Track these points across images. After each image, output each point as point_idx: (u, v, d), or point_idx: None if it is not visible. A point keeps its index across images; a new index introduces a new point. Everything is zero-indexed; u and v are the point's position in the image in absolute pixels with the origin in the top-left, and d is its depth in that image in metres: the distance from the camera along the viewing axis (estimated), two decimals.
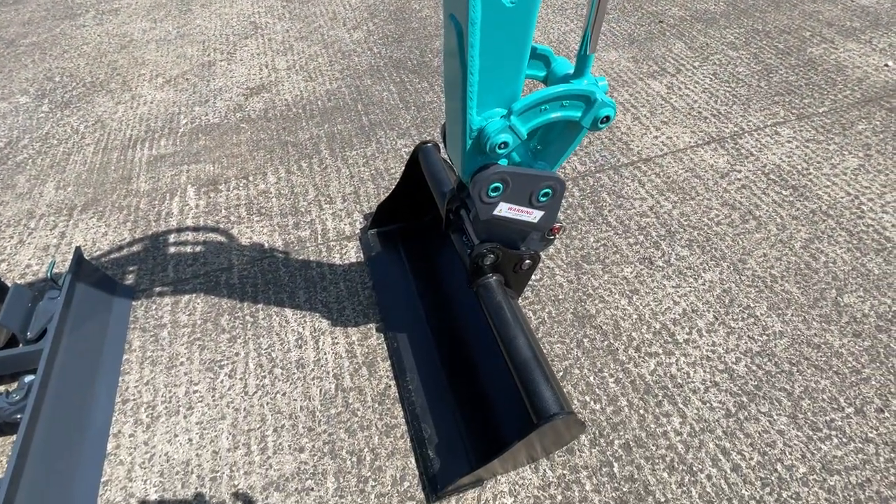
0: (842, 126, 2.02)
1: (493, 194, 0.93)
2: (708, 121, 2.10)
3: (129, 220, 1.84)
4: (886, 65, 2.32)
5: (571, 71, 0.91)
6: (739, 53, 2.49)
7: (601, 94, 0.85)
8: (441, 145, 1.21)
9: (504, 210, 0.97)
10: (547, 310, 1.45)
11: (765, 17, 2.75)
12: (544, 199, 0.98)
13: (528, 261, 1.12)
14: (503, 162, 0.94)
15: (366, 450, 1.19)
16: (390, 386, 1.30)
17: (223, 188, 1.94)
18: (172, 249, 1.73)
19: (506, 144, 0.86)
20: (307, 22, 3.03)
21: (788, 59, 2.43)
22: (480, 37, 0.74)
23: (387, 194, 1.67)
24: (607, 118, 0.86)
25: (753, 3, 2.89)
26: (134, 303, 1.55)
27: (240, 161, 2.07)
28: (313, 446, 1.20)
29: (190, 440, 1.23)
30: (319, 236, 1.73)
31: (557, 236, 1.12)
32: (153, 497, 1.14)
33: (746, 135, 2.02)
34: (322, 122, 2.24)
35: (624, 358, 1.33)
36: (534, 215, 1.01)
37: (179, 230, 1.79)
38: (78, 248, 1.42)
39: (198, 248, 1.72)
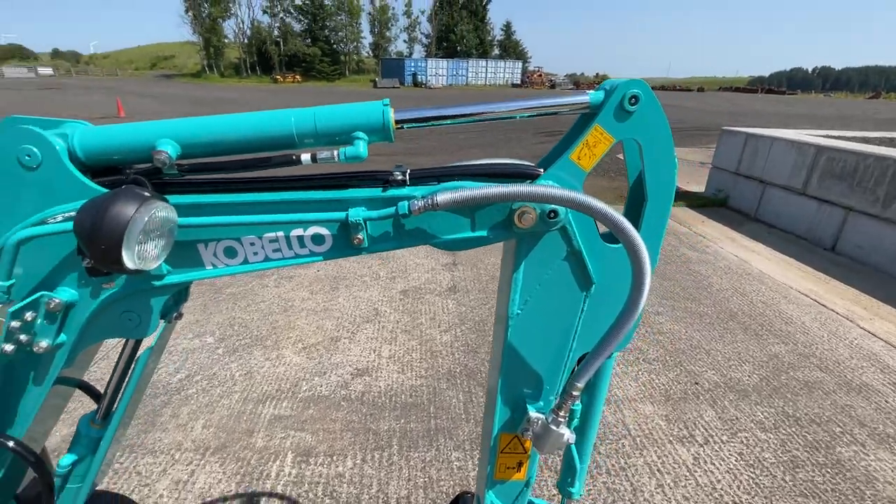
0: None
1: None
2: None
3: (239, 472, 2.43)
4: None
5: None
6: (768, 436, 2.80)
7: None
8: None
9: None
10: None
11: (796, 401, 3.11)
12: None
13: None
14: None
15: None
16: None
17: (312, 462, 2.51)
18: None
19: None
20: (413, 317, 4.07)
21: (816, 454, 2.66)
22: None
23: None
24: None
25: (787, 382, 3.31)
26: None
27: (331, 438, 2.69)
28: None
29: None
30: None
31: None
32: None
33: None
34: (400, 416, 2.88)
35: None
36: None
37: (270, 495, 2.31)
38: None
39: None
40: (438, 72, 67.01)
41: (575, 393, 0.90)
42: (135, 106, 24.77)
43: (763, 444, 2.73)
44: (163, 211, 0.70)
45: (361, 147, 0.78)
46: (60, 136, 0.78)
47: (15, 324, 0.79)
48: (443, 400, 3.03)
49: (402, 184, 0.82)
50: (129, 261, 0.66)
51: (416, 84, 63.09)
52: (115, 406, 1.06)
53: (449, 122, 0.86)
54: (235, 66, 75.54)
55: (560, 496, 1.27)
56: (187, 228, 0.79)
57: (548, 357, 0.99)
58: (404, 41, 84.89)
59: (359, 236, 0.80)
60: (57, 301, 0.81)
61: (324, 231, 0.82)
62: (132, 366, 1.06)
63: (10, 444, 0.95)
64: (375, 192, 0.82)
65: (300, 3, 73.04)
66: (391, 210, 0.78)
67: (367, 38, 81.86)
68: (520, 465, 1.13)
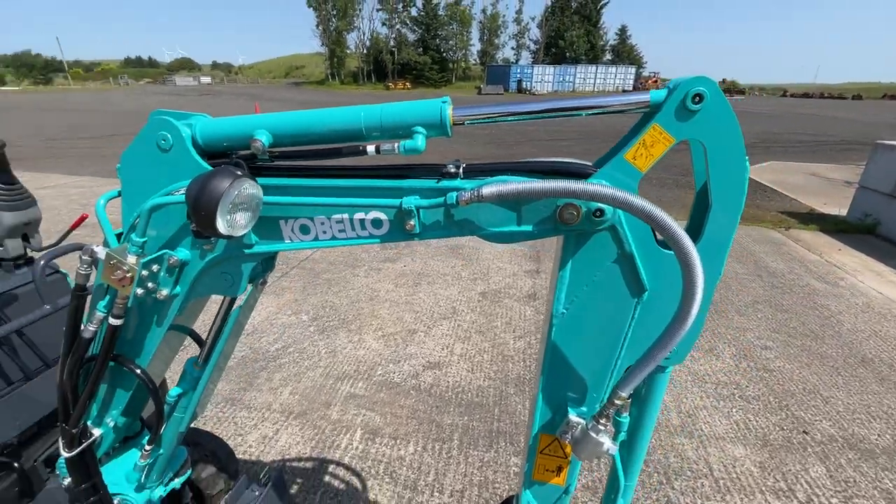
0: None
1: None
2: None
3: (314, 438, 2.68)
4: None
5: None
6: None
7: None
8: None
9: None
10: None
11: None
12: None
13: None
14: None
15: None
16: None
17: (378, 441, 2.67)
18: (325, 478, 2.42)
19: None
20: (489, 319, 4.10)
21: None
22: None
23: None
24: None
25: None
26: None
27: (397, 422, 2.83)
28: None
29: None
30: None
31: None
32: None
33: None
34: (464, 413, 2.92)
35: None
36: None
37: (338, 464, 2.51)
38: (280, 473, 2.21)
39: (336, 484, 2.37)
40: (545, 78, 65.93)
41: (618, 402, 0.87)
42: (268, 109, 28.23)
43: None
44: (251, 188, 0.84)
45: (420, 140, 0.85)
46: (188, 126, 0.97)
47: (145, 273, 1.00)
48: (508, 404, 3.02)
49: (455, 176, 0.87)
50: (221, 226, 0.80)
51: (520, 90, 62.77)
52: (212, 352, 1.27)
53: (511, 118, 0.89)
54: (354, 75, 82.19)
55: None
56: (271, 206, 0.93)
57: (593, 361, 0.97)
58: (512, 48, 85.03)
59: (411, 222, 0.87)
60: (175, 259, 1.01)
61: (382, 216, 0.91)
62: (227, 320, 1.26)
63: (138, 371, 1.20)
64: (430, 182, 0.88)
65: (415, 15, 77.17)
66: (441, 200, 0.84)
67: (476, 46, 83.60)
68: (559, 469, 1.12)
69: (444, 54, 78.70)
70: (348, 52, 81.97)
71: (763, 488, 2.43)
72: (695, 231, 0.87)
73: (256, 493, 2.01)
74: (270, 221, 0.96)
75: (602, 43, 79.46)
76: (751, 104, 48.39)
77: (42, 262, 1.48)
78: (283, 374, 3.28)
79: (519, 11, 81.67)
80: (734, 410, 3.01)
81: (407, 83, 72.00)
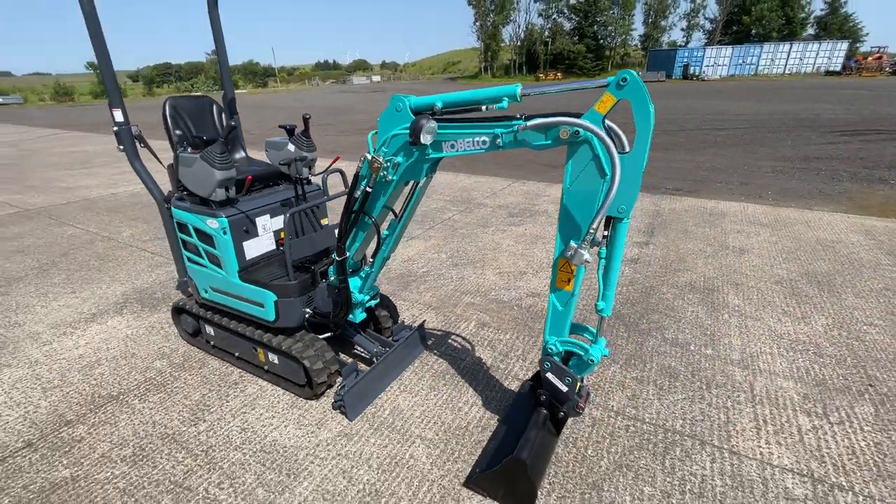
0: None
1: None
2: None
3: (444, 322, 3.94)
4: None
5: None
6: None
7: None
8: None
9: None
10: None
11: None
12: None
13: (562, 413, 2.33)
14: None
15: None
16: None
17: (485, 329, 3.81)
18: (448, 340, 3.66)
19: None
20: (589, 270, 4.89)
21: None
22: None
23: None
24: None
25: None
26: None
27: (500, 321, 3.93)
28: None
29: None
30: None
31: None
32: None
33: None
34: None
35: None
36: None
37: (457, 335, 3.73)
38: (422, 325, 3.51)
39: (455, 345, 3.58)
40: (719, 60, 57.94)
41: (592, 231, 1.83)
42: None
43: None
44: (432, 123, 2.03)
45: (505, 104, 1.93)
46: (408, 100, 2.21)
47: (386, 164, 2.29)
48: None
49: (520, 119, 1.93)
50: (423, 139, 2.01)
51: (685, 76, 56.45)
52: (404, 213, 2.56)
53: (541, 93, 1.90)
54: (506, 67, 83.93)
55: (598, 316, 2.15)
56: (440, 133, 2.11)
57: (582, 213, 1.93)
58: (682, 29, 76.31)
59: (498, 140, 1.96)
60: (397, 161, 2.28)
61: (486, 138, 2.00)
62: (411, 195, 2.53)
63: (373, 219, 2.54)
64: (508, 123, 1.95)
65: (574, 3, 74.77)
66: (512, 128, 1.91)
67: (639, 31, 77.35)
68: (569, 280, 2.10)
69: (602, 41, 74.78)
70: (503, 44, 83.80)
71: (797, 408, 2.87)
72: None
73: (408, 333, 3.36)
74: (438, 141, 2.15)
75: (803, 16, 65.96)
76: None
77: (325, 175, 2.99)
78: (426, 285, 4.66)
79: None
80: (801, 359, 3.35)
81: (558, 74, 70.67)
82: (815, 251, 5.28)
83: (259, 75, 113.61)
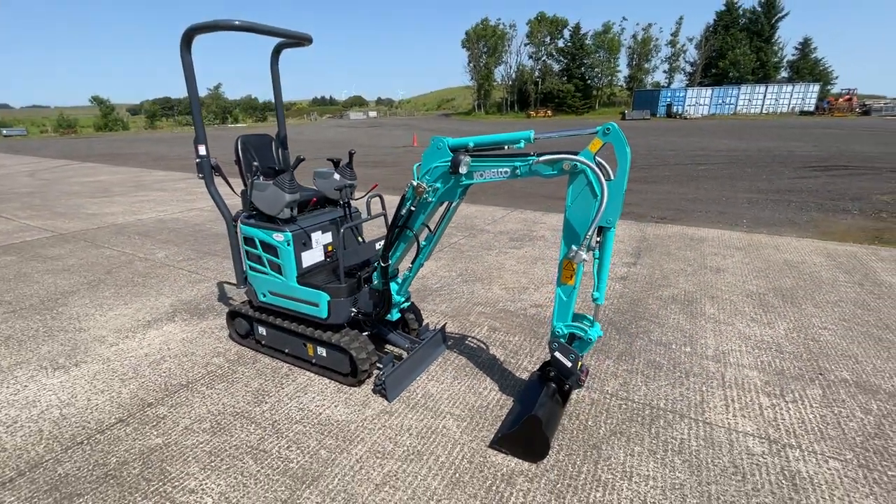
0: None
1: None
2: None
3: (460, 328, 4.53)
4: None
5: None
6: (868, 419, 3.16)
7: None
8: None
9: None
10: None
11: None
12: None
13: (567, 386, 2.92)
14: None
15: None
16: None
17: (495, 334, 4.40)
18: (465, 341, 4.24)
19: None
20: (584, 286, 5.53)
21: None
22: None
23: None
24: None
25: None
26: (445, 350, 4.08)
27: (509, 327, 4.52)
28: None
29: None
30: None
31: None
32: None
33: None
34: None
35: None
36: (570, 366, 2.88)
37: (472, 338, 4.31)
38: (443, 327, 4.10)
39: (471, 345, 4.16)
40: (700, 101, 61.13)
41: (587, 238, 2.49)
42: (422, 137, 32.76)
43: (858, 420, 3.14)
44: (468, 158, 2.72)
45: (522, 144, 2.63)
46: (446, 140, 2.90)
47: (428, 189, 2.96)
48: None
49: (534, 156, 2.62)
50: (461, 169, 2.69)
51: (669, 115, 59.34)
52: (438, 229, 3.21)
53: (546, 137, 2.61)
54: (498, 105, 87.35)
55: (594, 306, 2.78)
56: (473, 165, 2.78)
57: (580, 224, 2.59)
58: (664, 71, 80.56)
59: (516, 171, 2.64)
60: (436, 186, 2.96)
61: (507, 169, 2.68)
62: (445, 214, 3.19)
63: (413, 232, 3.19)
64: (524, 158, 2.64)
65: (562, 46, 78.94)
66: (528, 162, 2.59)
67: (624, 72, 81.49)
68: (571, 276, 2.74)
69: (589, 81, 78.51)
70: (495, 83, 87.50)
71: (759, 391, 3.47)
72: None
73: (432, 333, 3.96)
74: (470, 171, 2.83)
75: (776, 60, 70.17)
76: None
77: (368, 199, 3.67)
78: (441, 298, 5.27)
79: (675, 34, 77.45)
80: (765, 355, 3.98)
81: (548, 111, 73.67)
82: (782, 270, 5.99)
83: (258, 110, 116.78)
